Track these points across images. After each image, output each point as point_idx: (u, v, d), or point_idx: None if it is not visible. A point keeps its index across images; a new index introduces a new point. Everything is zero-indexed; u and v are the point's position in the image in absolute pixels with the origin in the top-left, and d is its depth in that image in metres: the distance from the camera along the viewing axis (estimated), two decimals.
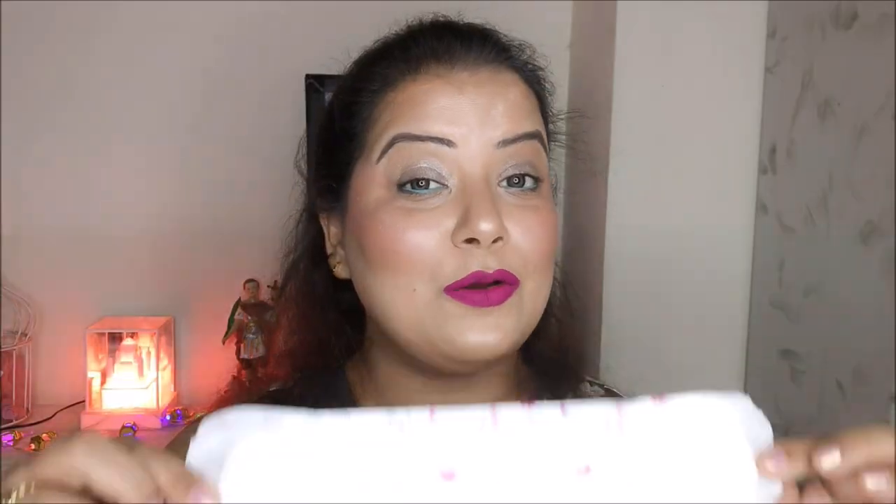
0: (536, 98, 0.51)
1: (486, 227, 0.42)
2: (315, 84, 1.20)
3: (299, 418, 0.34)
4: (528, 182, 0.46)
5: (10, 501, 0.31)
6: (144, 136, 1.23)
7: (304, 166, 0.53)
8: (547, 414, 0.33)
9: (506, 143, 0.45)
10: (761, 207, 1.08)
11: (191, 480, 0.33)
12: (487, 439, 0.33)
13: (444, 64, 0.49)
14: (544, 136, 0.49)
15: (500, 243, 0.43)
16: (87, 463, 0.32)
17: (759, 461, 0.33)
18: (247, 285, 1.22)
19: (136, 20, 1.25)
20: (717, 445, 0.32)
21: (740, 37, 1.06)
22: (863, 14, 0.88)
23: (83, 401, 1.21)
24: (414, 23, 0.55)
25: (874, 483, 0.31)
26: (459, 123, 0.45)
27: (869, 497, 0.31)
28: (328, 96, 1.24)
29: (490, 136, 0.45)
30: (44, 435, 1.14)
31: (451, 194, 0.44)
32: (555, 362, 0.58)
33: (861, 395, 0.85)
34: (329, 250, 0.51)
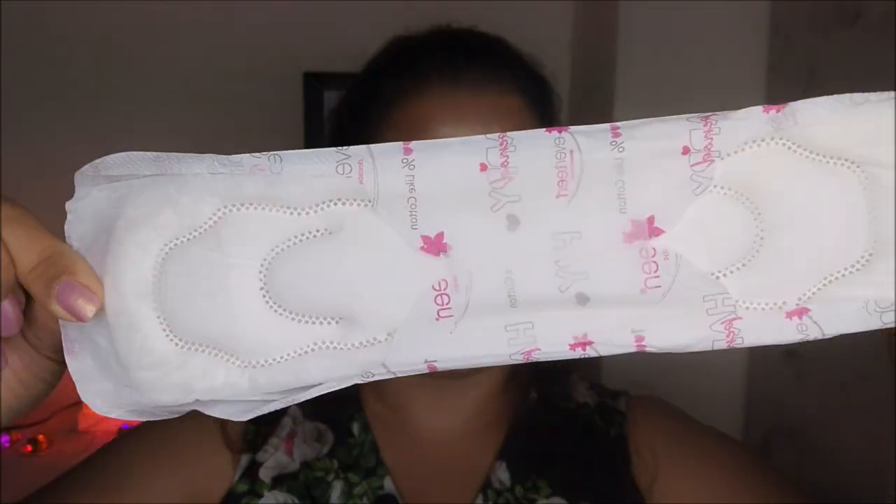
0: (540, 120, 0.51)
1: None
2: (313, 81, 1.20)
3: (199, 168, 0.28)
4: None
5: None
6: (144, 136, 1.23)
7: None
8: None
9: None
10: None
11: (63, 265, 0.27)
12: None
13: (449, 84, 0.49)
14: None
15: None
16: None
17: None
18: None
19: (134, 19, 1.25)
20: None
21: (743, 35, 1.05)
22: (866, 12, 0.87)
23: (80, 402, 1.20)
24: (419, 34, 0.55)
25: None
26: None
27: None
28: (327, 94, 1.23)
29: None
30: (40, 436, 1.13)
31: None
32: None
33: (865, 397, 0.84)
34: None
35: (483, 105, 0.48)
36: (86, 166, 0.28)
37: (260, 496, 0.54)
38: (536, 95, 0.52)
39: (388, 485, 0.55)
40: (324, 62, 1.17)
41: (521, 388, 0.60)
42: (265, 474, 0.55)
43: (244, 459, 0.55)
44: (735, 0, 1.05)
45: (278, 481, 0.55)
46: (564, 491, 0.54)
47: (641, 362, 0.95)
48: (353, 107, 0.55)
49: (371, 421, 0.58)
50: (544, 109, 0.54)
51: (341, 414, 0.58)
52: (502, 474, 0.56)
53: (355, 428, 0.57)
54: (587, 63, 1.22)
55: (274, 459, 0.55)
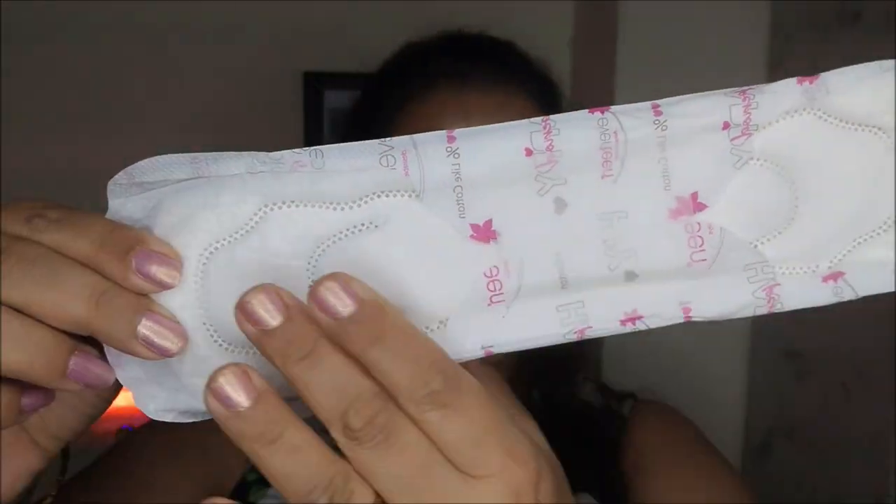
0: None
1: None
2: (313, 81, 1.20)
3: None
4: None
5: None
6: (142, 135, 1.23)
7: None
8: None
9: None
10: None
11: (133, 237, 0.25)
12: None
13: (455, 83, 0.49)
14: None
15: None
16: None
17: None
18: None
19: (134, 19, 1.25)
20: None
21: (743, 35, 1.05)
22: (866, 12, 0.87)
23: None
24: (428, 38, 0.55)
25: None
26: None
27: None
28: (327, 94, 1.23)
29: None
30: None
31: None
32: (550, 357, 0.59)
33: (866, 397, 0.84)
34: None
35: (490, 105, 0.48)
36: (119, 174, 0.27)
37: (269, 485, 0.54)
38: (544, 97, 0.53)
39: None
40: (324, 62, 1.17)
41: (525, 387, 0.60)
42: None
43: None
44: (735, 0, 1.05)
45: None
46: None
47: (643, 363, 0.95)
48: (363, 111, 0.55)
49: None
50: (552, 112, 0.54)
51: None
52: None
53: None
54: (587, 63, 1.22)
55: None
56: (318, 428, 0.24)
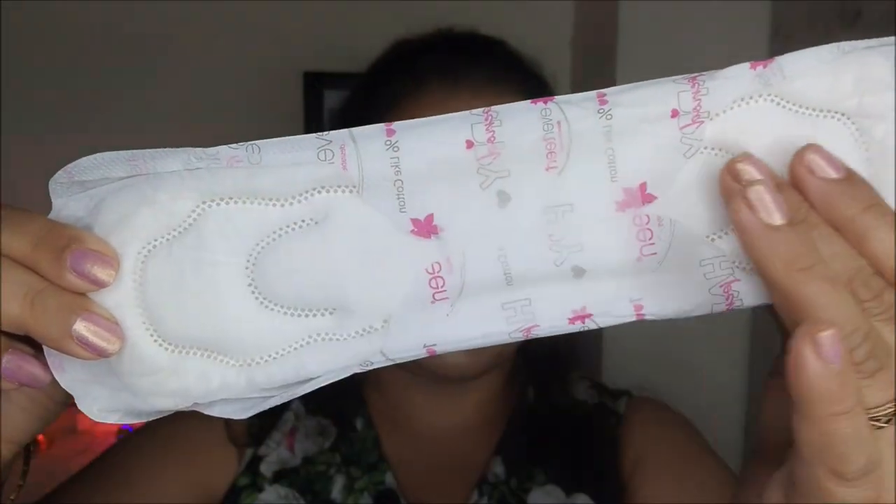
0: None
1: None
2: (313, 81, 1.20)
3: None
4: None
5: None
6: (142, 134, 1.23)
7: None
8: None
9: None
10: None
11: (68, 235, 0.25)
12: None
13: (448, 84, 0.49)
14: None
15: None
16: None
17: None
18: None
19: (134, 19, 1.24)
20: None
21: (744, 35, 1.05)
22: (866, 12, 0.87)
23: None
24: (420, 36, 0.55)
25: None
26: None
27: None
28: (327, 94, 1.23)
29: None
30: (39, 436, 1.13)
31: None
32: (545, 356, 0.60)
33: None
34: None
35: (482, 104, 0.48)
36: (59, 172, 0.27)
37: (261, 490, 0.54)
38: (536, 96, 0.53)
39: (390, 480, 0.55)
40: (324, 62, 1.17)
41: (520, 386, 0.60)
42: (266, 469, 0.55)
43: (248, 453, 0.56)
44: (735, 0, 1.05)
45: (279, 476, 0.55)
46: (559, 480, 0.55)
47: (643, 363, 0.95)
48: (354, 109, 0.55)
49: (373, 416, 0.58)
50: None
51: (344, 409, 0.58)
52: (498, 468, 0.56)
53: (358, 423, 0.58)
54: (587, 63, 1.21)
55: (275, 454, 0.56)
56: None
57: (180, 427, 0.53)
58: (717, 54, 1.08)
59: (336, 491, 0.55)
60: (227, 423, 0.56)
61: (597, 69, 1.16)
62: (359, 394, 0.59)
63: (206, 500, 0.54)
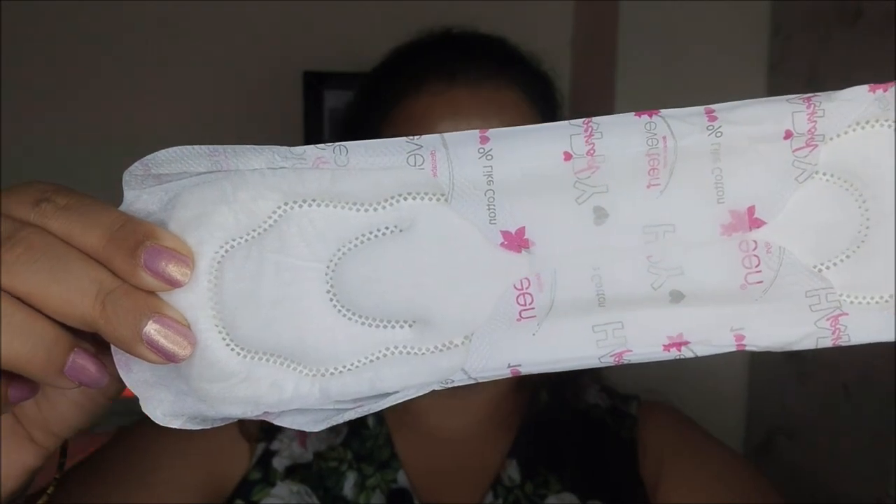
0: (541, 116, 0.52)
1: None
2: (313, 81, 1.19)
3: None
4: None
5: None
6: (142, 134, 1.23)
7: None
8: None
9: None
10: None
11: (143, 231, 0.24)
12: None
13: (444, 80, 0.49)
14: None
15: None
16: None
17: None
18: None
19: (134, 19, 1.24)
20: None
21: (744, 35, 1.05)
22: (867, 11, 0.87)
23: None
24: (418, 35, 0.55)
25: None
26: None
27: None
28: (327, 94, 1.23)
29: None
30: None
31: None
32: None
33: (866, 397, 0.84)
34: None
35: (480, 99, 0.48)
36: (135, 164, 0.25)
37: (273, 485, 0.54)
38: (536, 91, 0.53)
39: (402, 478, 0.55)
40: (324, 62, 1.17)
41: (532, 389, 0.60)
42: (279, 464, 0.55)
43: (259, 448, 0.56)
44: (735, 0, 1.05)
45: (291, 471, 0.55)
46: (574, 488, 0.55)
47: (644, 364, 0.95)
48: (355, 110, 0.55)
49: (385, 414, 0.58)
50: (545, 105, 0.54)
51: None
52: (513, 472, 0.56)
53: (370, 420, 0.58)
54: (587, 63, 1.21)
55: (287, 450, 0.56)
56: None
57: None
58: (716, 54, 1.08)
59: (348, 487, 0.54)
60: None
61: (597, 69, 1.16)
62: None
63: (216, 492, 0.54)
